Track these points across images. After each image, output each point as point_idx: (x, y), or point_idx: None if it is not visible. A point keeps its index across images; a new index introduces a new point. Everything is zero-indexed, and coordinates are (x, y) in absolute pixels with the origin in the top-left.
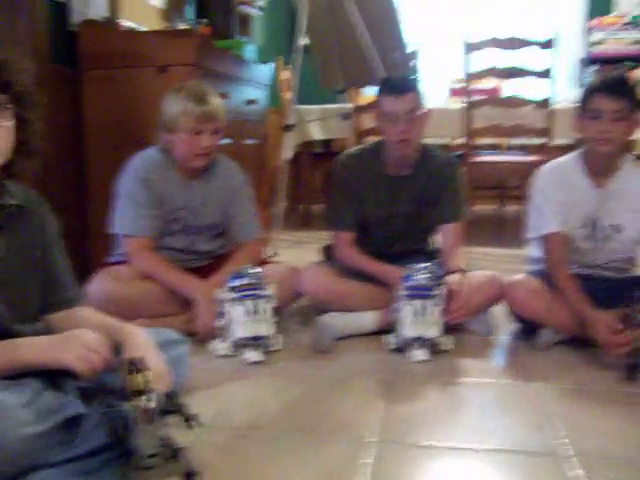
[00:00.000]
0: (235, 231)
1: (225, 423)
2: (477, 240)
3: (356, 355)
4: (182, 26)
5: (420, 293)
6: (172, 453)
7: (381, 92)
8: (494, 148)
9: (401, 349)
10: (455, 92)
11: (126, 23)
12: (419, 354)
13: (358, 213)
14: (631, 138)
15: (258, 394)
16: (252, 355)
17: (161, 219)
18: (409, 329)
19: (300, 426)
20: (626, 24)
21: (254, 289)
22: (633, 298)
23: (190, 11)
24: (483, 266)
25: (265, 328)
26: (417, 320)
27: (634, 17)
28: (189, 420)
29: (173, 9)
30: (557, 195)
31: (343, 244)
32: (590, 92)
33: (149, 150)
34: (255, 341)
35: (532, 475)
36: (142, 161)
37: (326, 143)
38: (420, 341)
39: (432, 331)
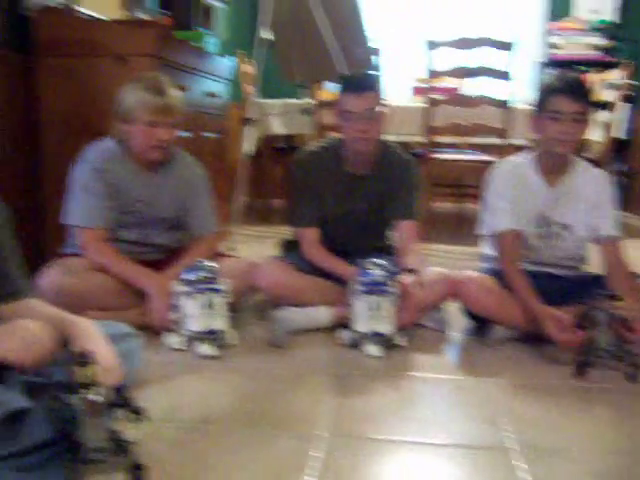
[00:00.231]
0: (192, 225)
1: (176, 417)
2: (436, 237)
3: (310, 350)
4: (143, 16)
5: (375, 289)
6: (119, 447)
7: (342, 90)
8: (455, 147)
9: (355, 344)
10: (417, 90)
11: (85, 11)
12: (373, 350)
13: (319, 210)
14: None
15: (211, 388)
16: (206, 349)
17: (116, 211)
18: (363, 324)
19: (252, 421)
20: (583, 29)
21: (209, 283)
22: (591, 297)
23: (151, 1)
24: (442, 263)
25: (219, 322)
26: (371, 316)
27: (592, 23)
28: (137, 413)
29: (137, 5)
30: (511, 193)
31: (308, 242)
32: (550, 93)
33: (105, 141)
34: (209, 335)
35: (478, 468)
36: (97, 152)
37: (288, 138)
38: (374, 337)
39: (386, 327)
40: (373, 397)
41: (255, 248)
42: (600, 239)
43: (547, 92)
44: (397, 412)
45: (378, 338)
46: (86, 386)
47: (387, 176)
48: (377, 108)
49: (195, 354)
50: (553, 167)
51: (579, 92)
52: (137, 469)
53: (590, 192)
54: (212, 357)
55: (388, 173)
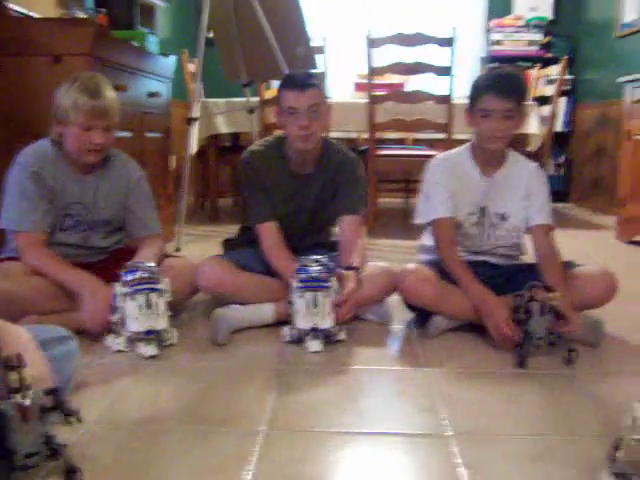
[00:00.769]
0: (134, 227)
1: (115, 419)
2: (383, 232)
3: (252, 347)
4: (80, 14)
5: (312, 285)
6: (53, 451)
7: (283, 87)
8: (401, 142)
9: (297, 340)
10: (359, 87)
11: (18, 8)
12: (313, 345)
13: (272, 206)
14: (525, 133)
15: (151, 389)
16: (146, 350)
17: (53, 214)
18: (303, 321)
19: (192, 419)
20: (522, 26)
21: (148, 283)
22: (526, 287)
23: (89, 2)
24: (387, 258)
25: (159, 322)
26: (310, 311)
27: (529, 20)
28: (69, 416)
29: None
30: (447, 183)
31: (268, 237)
32: (480, 90)
33: (41, 142)
34: (150, 335)
35: (415, 455)
36: (33, 154)
37: (234, 137)
38: (314, 332)
39: (326, 322)
40: (313, 391)
41: (201, 248)
42: (532, 229)
43: (478, 89)
44: (337, 404)
45: (318, 333)
46: (15, 390)
47: (331, 174)
48: (319, 105)
49: (136, 355)
50: (487, 159)
51: (509, 89)
52: (72, 472)
53: (523, 183)
54: (153, 357)
55: (332, 171)
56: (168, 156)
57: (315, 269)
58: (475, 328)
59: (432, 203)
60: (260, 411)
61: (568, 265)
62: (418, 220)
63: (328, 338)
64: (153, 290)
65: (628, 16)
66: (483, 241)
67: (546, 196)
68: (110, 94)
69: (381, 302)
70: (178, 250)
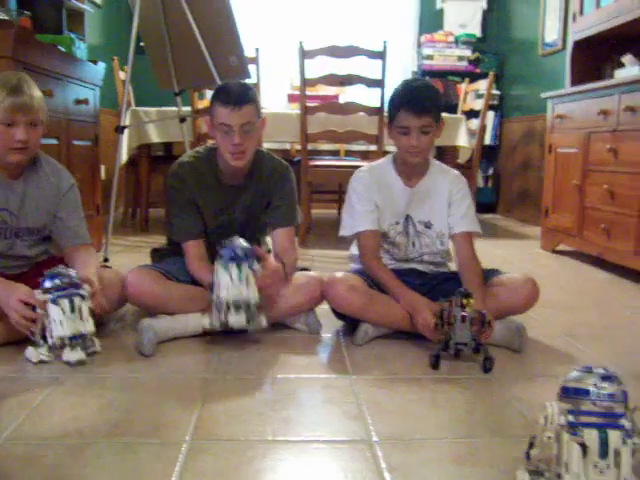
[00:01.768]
0: (64, 236)
1: (31, 432)
2: (315, 242)
3: (179, 357)
4: (1, 16)
5: (236, 259)
6: None
7: (216, 100)
8: (336, 154)
9: (219, 323)
10: (292, 98)
11: None
12: (236, 319)
13: (199, 221)
14: (454, 145)
15: (73, 401)
16: (72, 355)
17: None
18: (225, 291)
19: (114, 431)
20: (452, 42)
21: (71, 288)
22: (448, 294)
23: (13, 2)
24: (321, 268)
25: (85, 326)
26: (235, 284)
27: (458, 36)
28: None
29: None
30: (370, 195)
31: (190, 256)
32: (396, 108)
33: None
34: (74, 340)
35: (340, 461)
36: None
37: (166, 146)
38: (236, 306)
39: (250, 294)
40: (239, 400)
41: (130, 258)
42: (454, 236)
43: (394, 106)
44: (262, 413)
45: (244, 306)
46: None
47: (263, 185)
48: (253, 122)
49: (64, 361)
50: (410, 170)
51: (423, 106)
52: None
53: (445, 191)
54: (81, 363)
55: (263, 181)
56: (97, 165)
57: (238, 245)
58: (401, 336)
59: (356, 216)
60: (185, 421)
61: (493, 272)
62: (343, 233)
63: (251, 312)
64: (77, 295)
65: (549, 36)
66: (409, 249)
67: (467, 204)
68: (33, 91)
69: (310, 311)
70: (106, 260)
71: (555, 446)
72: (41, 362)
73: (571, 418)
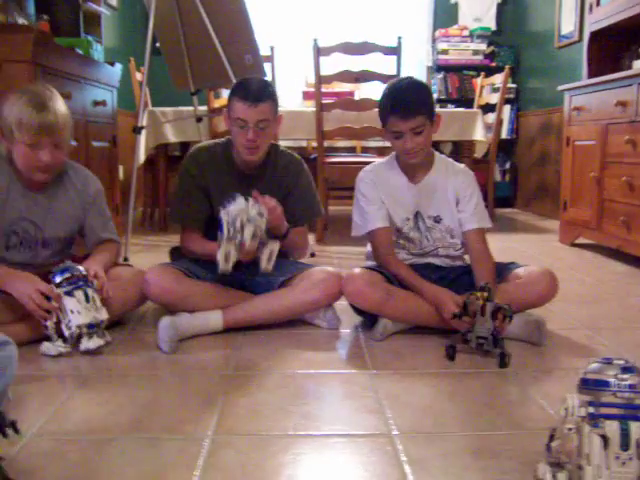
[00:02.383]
0: (90, 239)
1: (56, 429)
2: (333, 239)
3: (199, 354)
4: (20, 21)
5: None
6: None
7: (234, 95)
8: (352, 150)
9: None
10: (307, 95)
11: None
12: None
13: (205, 209)
14: (470, 140)
15: (96, 398)
16: (91, 343)
17: None
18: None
19: (136, 427)
20: (467, 36)
21: (81, 279)
22: (469, 287)
23: (32, 7)
24: (339, 264)
25: (100, 313)
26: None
27: (473, 30)
28: (4, 428)
29: (11, 2)
30: (376, 194)
31: (186, 239)
32: (385, 113)
33: None
34: (91, 329)
35: (360, 455)
36: None
37: (183, 146)
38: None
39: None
40: (260, 395)
41: (150, 257)
42: (465, 233)
43: (383, 111)
44: (282, 408)
45: (97, 327)
46: None
47: (278, 176)
48: (270, 119)
49: (81, 350)
50: (413, 168)
51: (411, 109)
52: None
53: (451, 187)
54: (99, 349)
55: (279, 172)
56: (116, 166)
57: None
58: (419, 330)
59: (366, 216)
60: (206, 417)
61: (511, 266)
62: (355, 233)
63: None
64: (87, 285)
65: (566, 28)
66: (424, 243)
67: (475, 200)
68: (59, 109)
69: (328, 307)
70: (126, 260)
71: (576, 438)
72: (60, 355)
73: (592, 410)
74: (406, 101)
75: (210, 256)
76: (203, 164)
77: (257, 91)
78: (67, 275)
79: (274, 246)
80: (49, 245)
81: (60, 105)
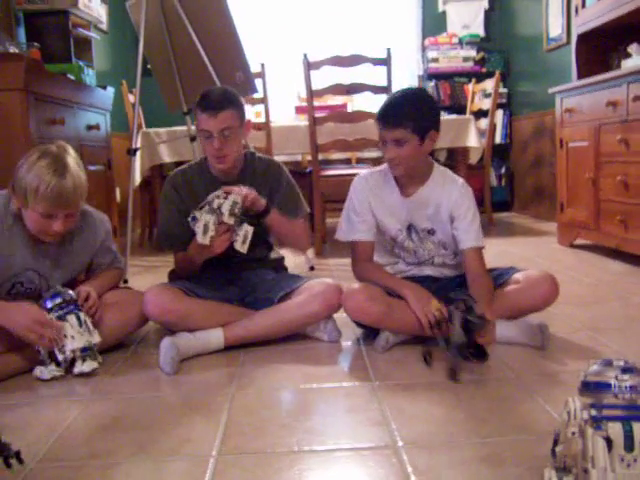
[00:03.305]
0: (97, 270)
1: (61, 455)
2: (331, 251)
3: (201, 373)
4: (12, 49)
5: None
6: None
7: (197, 108)
8: (347, 162)
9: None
10: (300, 109)
11: None
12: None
13: (188, 231)
14: (465, 146)
15: (98, 422)
16: (85, 366)
17: None
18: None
19: (140, 449)
20: (456, 43)
21: (70, 304)
22: (455, 297)
23: (21, 34)
24: (338, 277)
25: (93, 337)
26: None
27: (462, 37)
28: (9, 458)
29: (1, 32)
30: (367, 205)
31: (177, 262)
32: (375, 121)
33: None
34: (85, 352)
35: (366, 467)
36: None
37: (179, 166)
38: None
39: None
40: (263, 412)
41: (148, 279)
42: (461, 251)
43: (375, 120)
44: (286, 424)
45: (90, 350)
46: None
47: (259, 180)
48: (234, 127)
49: (75, 374)
50: (407, 180)
51: (392, 119)
52: None
53: (446, 202)
54: (93, 372)
55: (259, 177)
56: (112, 189)
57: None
58: (422, 340)
59: (352, 224)
60: (211, 436)
61: (510, 270)
62: (339, 236)
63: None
64: (78, 309)
65: (554, 31)
66: (418, 252)
67: (471, 218)
68: (76, 180)
69: (329, 319)
70: (126, 282)
71: (580, 441)
72: (53, 378)
73: (594, 412)
74: (389, 111)
75: (195, 256)
76: (180, 188)
77: (217, 100)
78: (58, 301)
79: (249, 229)
80: (53, 288)
81: (77, 175)
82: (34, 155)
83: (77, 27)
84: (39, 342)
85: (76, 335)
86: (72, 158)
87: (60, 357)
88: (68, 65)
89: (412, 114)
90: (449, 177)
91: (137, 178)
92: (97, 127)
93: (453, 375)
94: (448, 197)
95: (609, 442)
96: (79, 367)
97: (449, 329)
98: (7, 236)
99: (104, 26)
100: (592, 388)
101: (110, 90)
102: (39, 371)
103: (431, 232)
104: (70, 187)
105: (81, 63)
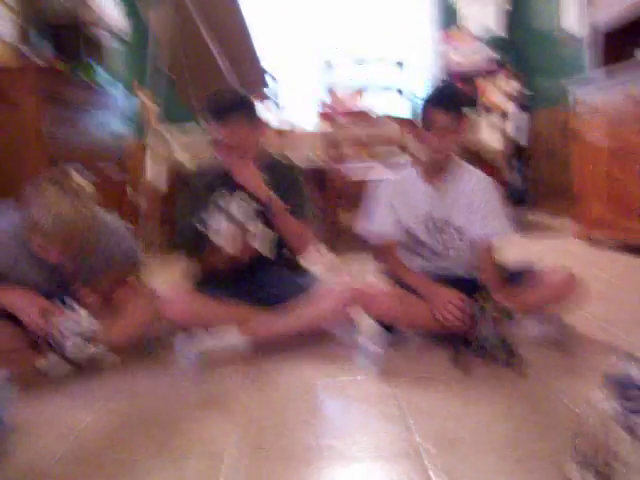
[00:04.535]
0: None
1: (80, 454)
2: (348, 247)
3: (217, 370)
4: (35, 58)
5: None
6: None
7: (207, 112)
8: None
9: None
10: (320, 114)
11: None
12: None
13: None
14: (481, 142)
15: (117, 420)
16: (87, 351)
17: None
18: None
19: (160, 446)
20: (472, 42)
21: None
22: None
23: (40, 40)
24: (355, 271)
25: (91, 323)
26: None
27: (478, 35)
28: None
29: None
30: (390, 205)
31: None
32: (425, 106)
33: (5, 213)
34: (84, 338)
35: (384, 463)
36: None
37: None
38: None
39: None
40: (279, 408)
41: (166, 277)
42: (475, 243)
43: (423, 105)
44: (304, 420)
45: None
46: None
47: (275, 183)
48: (242, 132)
49: (79, 360)
50: (434, 173)
51: (450, 103)
52: None
53: (468, 191)
54: (95, 356)
55: (276, 180)
56: (124, 189)
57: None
58: (437, 336)
59: (373, 222)
60: (228, 433)
61: (529, 267)
62: (358, 229)
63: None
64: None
65: (568, 24)
66: (439, 248)
67: (489, 211)
68: (71, 222)
69: (344, 315)
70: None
71: (602, 435)
72: (58, 370)
73: (617, 406)
74: (451, 96)
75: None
76: (203, 178)
77: (226, 106)
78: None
79: (267, 231)
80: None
81: (75, 216)
82: (42, 187)
83: (91, 28)
84: (39, 321)
85: (80, 321)
86: (69, 197)
87: (61, 342)
88: (80, 65)
89: (462, 99)
90: (471, 170)
91: (154, 179)
92: (110, 127)
93: (464, 367)
94: (471, 189)
95: (633, 435)
96: (77, 352)
97: (473, 324)
98: (18, 254)
99: (119, 28)
100: (614, 381)
101: (124, 91)
102: (41, 363)
103: (457, 229)
104: (64, 230)
105: (93, 63)
